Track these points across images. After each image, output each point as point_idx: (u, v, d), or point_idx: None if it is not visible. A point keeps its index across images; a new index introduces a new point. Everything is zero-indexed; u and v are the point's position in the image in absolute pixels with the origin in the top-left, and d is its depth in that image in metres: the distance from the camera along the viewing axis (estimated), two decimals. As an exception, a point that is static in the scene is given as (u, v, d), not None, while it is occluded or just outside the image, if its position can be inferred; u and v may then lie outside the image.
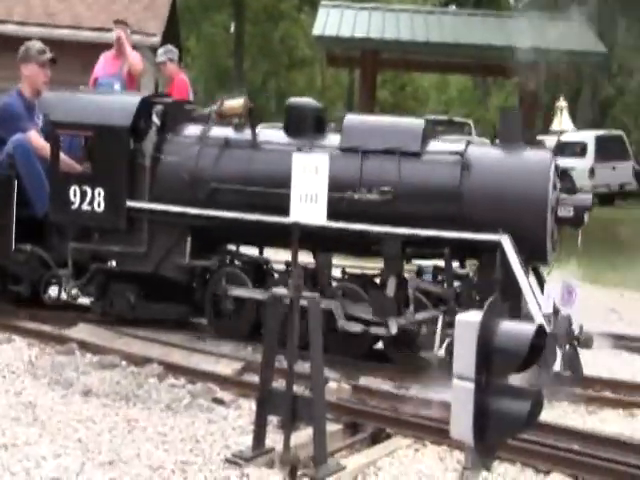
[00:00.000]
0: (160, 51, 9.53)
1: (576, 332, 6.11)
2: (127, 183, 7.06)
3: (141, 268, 7.11)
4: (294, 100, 7.17)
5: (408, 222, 6.34)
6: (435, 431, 5.09)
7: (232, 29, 33.28)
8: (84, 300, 7.57)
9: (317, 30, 16.70)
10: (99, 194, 7.05)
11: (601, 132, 22.79)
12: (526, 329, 3.54)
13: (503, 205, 6.27)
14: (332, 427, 5.05)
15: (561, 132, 6.91)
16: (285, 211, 5.35)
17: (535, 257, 6.36)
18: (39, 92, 7.78)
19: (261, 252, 7.43)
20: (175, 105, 7.43)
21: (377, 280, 6.83)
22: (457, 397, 3.51)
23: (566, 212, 6.39)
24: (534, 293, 6.05)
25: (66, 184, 7.15)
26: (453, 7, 28.92)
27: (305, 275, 6.38)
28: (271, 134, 6.97)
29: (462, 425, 3.49)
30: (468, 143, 6.63)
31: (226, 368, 6.33)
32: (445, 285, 6.49)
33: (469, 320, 3.53)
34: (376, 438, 5.17)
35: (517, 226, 6.16)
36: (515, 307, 5.94)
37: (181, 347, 6.83)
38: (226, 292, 6.97)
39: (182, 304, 7.23)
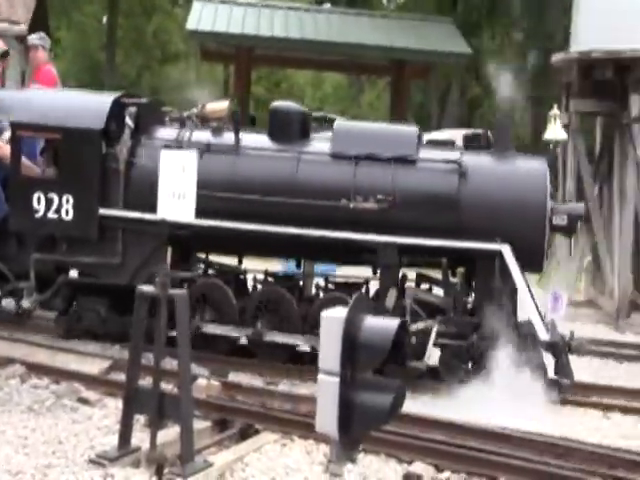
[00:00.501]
0: (34, 36, 9.19)
1: (567, 338, 6.25)
2: (99, 189, 6.62)
3: (115, 280, 6.61)
4: (278, 104, 6.87)
5: (405, 231, 6.21)
6: (302, 425, 5.13)
7: (104, 21, 32.51)
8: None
9: (191, 24, 16.51)
10: (67, 201, 6.51)
11: (469, 130, 23.44)
12: (389, 325, 3.61)
13: (501, 214, 6.24)
14: (200, 424, 5.02)
15: (556, 142, 7.00)
16: (275, 219, 5.93)
17: (531, 265, 6.41)
18: None
19: (240, 261, 7.04)
20: (148, 106, 6.93)
21: (362, 288, 6.61)
22: (322, 391, 3.56)
23: (560, 220, 6.44)
24: (535, 301, 6.10)
25: (29, 190, 6.59)
26: (328, 5, 29.15)
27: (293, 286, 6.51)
28: (255, 140, 6.65)
29: (327, 419, 3.55)
30: (463, 151, 6.60)
31: (92, 367, 6.19)
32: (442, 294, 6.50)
33: (335, 316, 3.58)
34: (245, 434, 5.17)
35: (515, 235, 6.16)
36: (511, 314, 6.08)
37: (46, 346, 6.63)
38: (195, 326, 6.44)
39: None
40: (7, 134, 6.99)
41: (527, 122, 24.34)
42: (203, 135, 6.67)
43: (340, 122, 6.81)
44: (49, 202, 6.52)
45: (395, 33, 16.87)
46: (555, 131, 7.47)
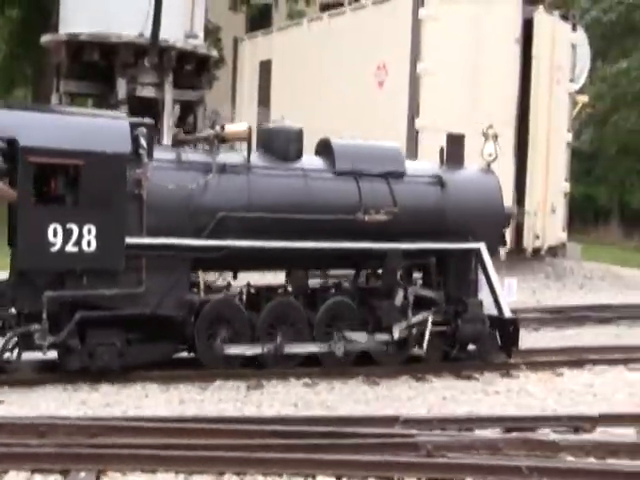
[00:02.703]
0: None
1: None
2: (125, 217, 5.96)
3: (138, 310, 6.07)
4: (277, 126, 6.97)
5: (407, 237, 6.78)
6: None
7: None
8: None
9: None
10: (89, 232, 5.85)
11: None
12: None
13: (473, 218, 7.08)
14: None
15: (491, 156, 7.62)
16: (298, 234, 6.35)
17: (491, 253, 7.31)
18: None
19: (235, 277, 6.93)
20: (150, 127, 6.42)
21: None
22: None
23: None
24: (500, 289, 7.13)
25: (44, 222, 5.72)
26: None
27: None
28: (259, 159, 6.64)
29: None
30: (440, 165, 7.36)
31: None
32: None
33: None
34: None
35: (483, 234, 7.09)
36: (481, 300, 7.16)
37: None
38: (220, 351, 6.33)
39: (167, 342, 6.34)
40: None
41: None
42: (204, 156, 6.53)
43: (336, 141, 7.06)
44: (67, 234, 5.78)
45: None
46: (492, 148, 7.72)
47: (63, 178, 5.94)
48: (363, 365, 6.83)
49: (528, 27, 12.75)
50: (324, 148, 6.96)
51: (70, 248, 5.77)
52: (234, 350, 6.31)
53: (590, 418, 5.49)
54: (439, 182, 7.06)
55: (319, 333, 6.54)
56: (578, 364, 7.44)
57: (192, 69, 12.15)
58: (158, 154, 6.27)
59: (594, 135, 23.82)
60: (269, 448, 4.47)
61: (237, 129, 6.77)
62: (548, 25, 13.12)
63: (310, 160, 6.86)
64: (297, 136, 6.83)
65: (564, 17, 13.67)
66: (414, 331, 6.86)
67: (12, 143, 5.69)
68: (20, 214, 5.70)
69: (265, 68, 15.51)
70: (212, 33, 16.84)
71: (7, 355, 5.86)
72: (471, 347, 7.24)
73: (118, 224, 5.91)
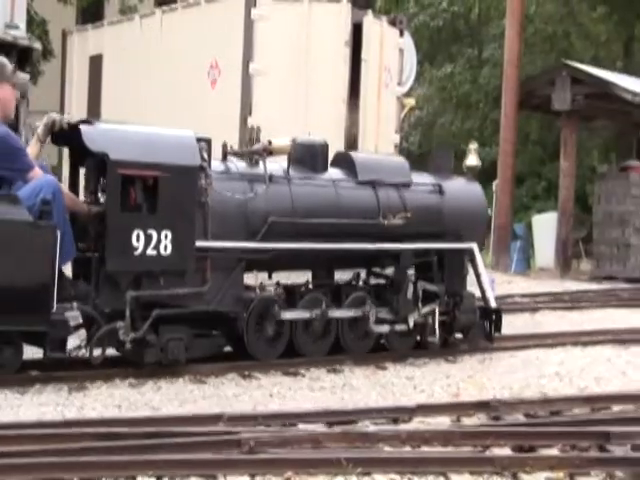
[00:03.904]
0: None
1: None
2: (195, 223, 6.67)
3: (203, 307, 6.78)
4: (306, 140, 7.66)
5: (415, 238, 7.88)
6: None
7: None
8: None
9: None
10: (166, 237, 6.47)
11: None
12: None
13: (466, 220, 8.27)
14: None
15: (474, 167, 8.94)
16: (330, 237, 7.30)
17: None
18: (8, 118, 6.45)
19: (270, 277, 7.72)
20: (209, 142, 6.93)
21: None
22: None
23: None
24: (487, 282, 8.48)
25: (129, 229, 6.34)
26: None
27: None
28: (293, 170, 7.40)
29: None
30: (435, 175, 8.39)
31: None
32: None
33: None
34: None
35: (473, 235, 8.33)
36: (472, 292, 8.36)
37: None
38: (277, 316, 7.15)
39: (219, 337, 7.06)
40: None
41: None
42: (249, 167, 7.25)
43: (356, 155, 8.14)
44: (148, 239, 6.41)
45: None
46: (474, 159, 9.34)
47: (144, 188, 6.44)
48: (191, 364, 6.84)
49: (358, 31, 13.09)
50: (344, 160, 7.92)
51: (150, 251, 6.42)
52: (288, 315, 7.21)
53: (408, 409, 5.74)
54: (439, 190, 8.17)
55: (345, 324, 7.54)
56: (401, 358, 7.75)
57: (13, 62, 11.65)
58: (220, 166, 7.07)
59: (422, 137, 24.80)
60: (89, 451, 4.40)
61: (282, 144, 7.40)
62: (377, 29, 13.51)
63: (335, 171, 7.74)
64: (324, 149, 7.69)
65: (392, 22, 14.12)
66: (425, 320, 7.85)
67: (103, 157, 6.30)
68: (109, 221, 6.31)
69: (96, 63, 15.13)
70: (38, 25, 16.27)
71: (82, 351, 6.38)
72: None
73: (189, 229, 6.62)
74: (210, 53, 12.94)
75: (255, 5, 12.51)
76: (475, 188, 8.63)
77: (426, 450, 4.89)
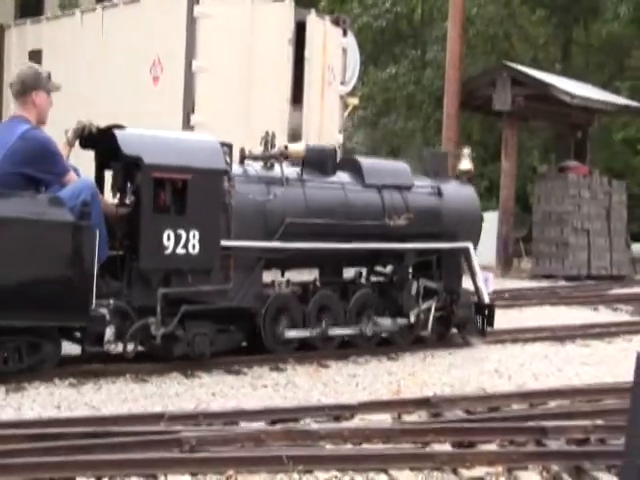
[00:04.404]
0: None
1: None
2: (220, 223, 7.02)
3: (226, 303, 7.13)
4: (316, 145, 8.31)
5: (417, 238, 8.28)
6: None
7: None
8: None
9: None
10: (194, 236, 6.80)
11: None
12: None
13: (462, 221, 8.70)
14: None
15: (467, 171, 9.15)
16: (340, 237, 7.72)
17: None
18: (43, 123, 6.67)
19: (282, 275, 8.03)
20: (230, 147, 7.27)
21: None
22: None
23: None
24: (481, 279, 8.85)
25: (161, 229, 6.66)
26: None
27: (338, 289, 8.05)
28: (306, 173, 7.78)
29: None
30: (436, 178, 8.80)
31: None
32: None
33: None
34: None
35: (469, 235, 8.75)
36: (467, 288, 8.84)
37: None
38: (281, 336, 7.49)
39: (238, 332, 7.37)
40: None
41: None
42: (265, 170, 7.58)
43: (363, 159, 8.48)
44: (178, 238, 6.74)
45: None
46: (467, 163, 9.42)
47: (173, 191, 6.73)
48: (135, 362, 6.78)
49: (301, 29, 13.11)
50: (351, 164, 8.31)
51: (179, 250, 6.73)
52: (291, 334, 7.56)
53: (350, 407, 5.78)
54: (438, 192, 8.60)
55: (351, 318, 7.94)
56: (343, 356, 7.78)
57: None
58: (238, 170, 7.39)
59: (366, 137, 24.93)
60: (26, 452, 4.34)
61: (297, 148, 7.81)
62: (320, 28, 13.54)
63: (343, 175, 8.11)
64: (333, 154, 8.16)
65: (335, 22, 14.17)
66: (422, 316, 8.25)
67: (137, 161, 6.58)
68: (142, 222, 6.62)
69: (35, 58, 14.81)
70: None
71: (112, 346, 6.62)
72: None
73: (215, 229, 6.96)
74: (152, 50, 12.80)
75: (198, 2, 12.42)
76: (469, 190, 9.10)
77: (367, 447, 4.93)
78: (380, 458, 4.67)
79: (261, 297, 7.39)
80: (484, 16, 24.38)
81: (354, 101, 16.17)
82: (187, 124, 12.24)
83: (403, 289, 8.26)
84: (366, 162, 8.41)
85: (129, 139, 6.68)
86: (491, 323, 8.77)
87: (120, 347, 6.60)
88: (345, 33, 14.40)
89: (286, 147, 7.70)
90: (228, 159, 7.10)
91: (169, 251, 6.69)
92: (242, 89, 12.42)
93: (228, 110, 11.96)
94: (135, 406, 5.80)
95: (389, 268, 8.54)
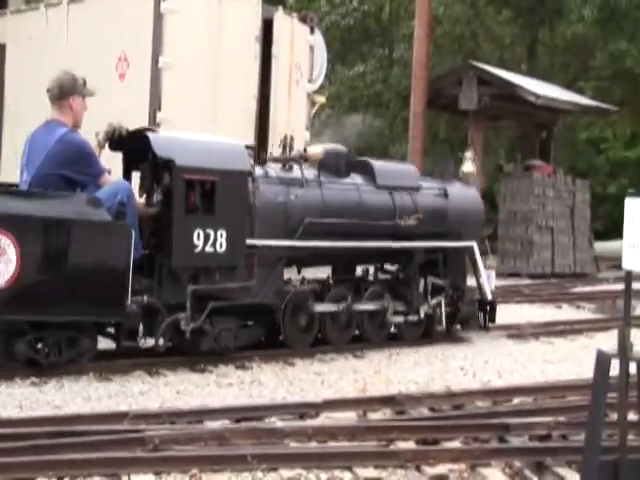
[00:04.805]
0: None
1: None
2: (245, 223, 7.30)
3: (250, 299, 7.43)
4: (332, 148, 8.39)
5: (425, 237, 8.67)
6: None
7: None
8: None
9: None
10: (221, 235, 7.07)
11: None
12: None
13: (466, 221, 9.14)
14: None
15: (470, 172, 10.16)
16: (354, 236, 8.08)
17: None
18: (79, 127, 7.00)
19: (299, 272, 8.37)
20: (253, 149, 7.77)
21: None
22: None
23: None
24: (484, 277, 9.30)
25: (191, 229, 6.94)
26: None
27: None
28: (326, 175, 8.13)
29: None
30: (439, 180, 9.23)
31: None
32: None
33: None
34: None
35: (472, 234, 9.25)
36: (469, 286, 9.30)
37: None
38: (309, 308, 7.86)
39: (259, 327, 7.71)
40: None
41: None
42: (295, 173, 7.90)
43: (375, 162, 8.76)
44: (207, 237, 6.99)
45: None
46: (470, 166, 10.78)
47: (202, 191, 7.01)
48: (96, 361, 6.73)
49: (268, 27, 13.07)
50: (363, 166, 8.61)
51: (208, 249, 7.00)
52: (320, 308, 7.94)
53: (315, 405, 5.78)
54: (444, 193, 9.00)
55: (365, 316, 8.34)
56: (309, 354, 7.78)
57: None
58: (259, 171, 7.65)
59: (333, 135, 24.93)
60: (-14, 453, 4.28)
61: (316, 151, 8.12)
62: (287, 26, 13.50)
63: (356, 176, 8.43)
64: (347, 156, 8.52)
65: (303, 20, 14.15)
66: (437, 311, 8.72)
67: (169, 163, 6.87)
68: (174, 222, 6.88)
69: (-2, 52, 14.68)
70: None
71: (142, 341, 6.90)
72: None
73: (241, 228, 7.26)
74: (118, 46, 12.67)
75: (165, -2, 12.34)
76: (473, 192, 9.58)
77: (332, 445, 4.93)
78: (344, 456, 4.68)
79: (281, 293, 7.68)
80: (451, 16, 24.52)
81: (321, 99, 16.18)
82: (153, 121, 12.15)
83: (412, 286, 8.65)
84: (377, 164, 8.75)
85: (162, 142, 6.97)
86: (493, 319, 9.16)
87: (149, 342, 6.89)
88: (312, 31, 14.38)
89: (305, 150, 8.12)
90: (252, 161, 7.41)
91: (199, 249, 6.96)
92: (209, 86, 12.35)
93: (195, 107, 11.89)
94: (98, 405, 5.76)
95: (397, 266, 8.89)
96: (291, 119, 13.66)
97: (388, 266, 9.01)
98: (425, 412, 5.87)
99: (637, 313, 9.90)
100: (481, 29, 25.28)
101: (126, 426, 4.99)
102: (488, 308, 9.18)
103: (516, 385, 6.87)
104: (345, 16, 24.32)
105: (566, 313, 12.11)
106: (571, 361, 8.14)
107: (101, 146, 7.24)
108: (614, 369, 3.88)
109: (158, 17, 12.37)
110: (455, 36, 24.67)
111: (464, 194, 9.35)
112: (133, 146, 7.20)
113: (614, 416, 4.66)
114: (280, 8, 13.58)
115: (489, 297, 9.20)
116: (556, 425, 5.37)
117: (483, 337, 9.20)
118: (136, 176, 7.57)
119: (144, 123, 12.28)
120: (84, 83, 7.05)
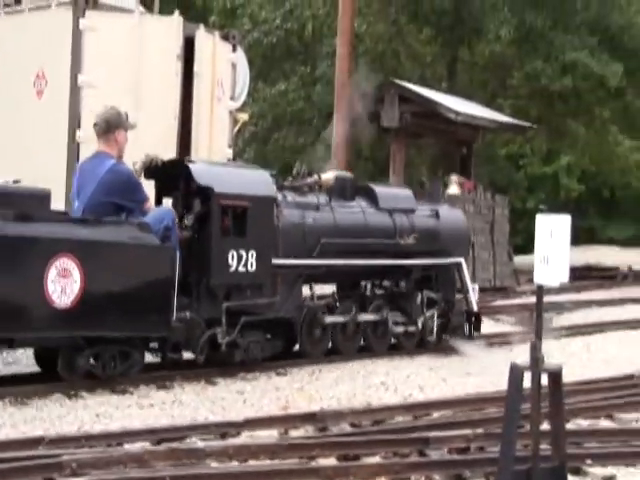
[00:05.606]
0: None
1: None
2: (271, 244, 7.96)
3: (274, 314, 8.10)
4: (339, 174, 9.32)
5: (422, 255, 9.48)
6: None
7: None
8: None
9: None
10: (252, 256, 7.73)
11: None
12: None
13: (455, 239, 9.95)
14: None
15: (455, 195, 10.79)
16: (360, 254, 8.92)
17: None
18: (122, 158, 7.46)
19: (311, 288, 8.76)
20: (275, 176, 8.47)
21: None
22: None
23: None
24: (471, 290, 9.96)
25: (226, 250, 7.61)
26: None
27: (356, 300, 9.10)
28: (335, 199, 8.93)
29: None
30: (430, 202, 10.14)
31: None
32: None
33: None
34: None
35: (460, 251, 10.00)
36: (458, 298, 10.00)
37: None
38: (322, 320, 8.57)
39: (279, 339, 8.35)
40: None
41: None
42: (299, 196, 8.64)
43: (375, 186, 9.61)
44: (240, 258, 7.68)
45: None
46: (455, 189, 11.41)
47: (234, 216, 7.71)
48: (11, 385, 6.58)
49: (190, 45, 13.03)
50: (365, 191, 9.43)
51: (241, 268, 7.71)
52: (329, 319, 8.67)
53: (236, 424, 5.77)
54: (436, 214, 9.87)
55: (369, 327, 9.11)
56: (231, 373, 7.76)
57: None
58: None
59: (257, 152, 24.96)
60: None
61: (328, 177, 8.97)
62: (209, 43, 13.49)
63: (360, 200, 9.26)
64: (352, 182, 9.37)
65: (225, 37, 14.16)
66: (429, 323, 9.51)
67: (207, 190, 7.57)
68: (213, 244, 7.60)
69: None
70: None
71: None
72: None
73: (268, 249, 7.97)
74: (36, 63, 12.47)
75: (84, 15, 12.20)
76: (459, 213, 10.62)
77: (253, 463, 4.93)
78: (265, 474, 4.69)
79: (300, 308, 8.39)
80: (373, 34, 24.82)
81: (244, 116, 16.17)
82: (72, 140, 11.99)
83: (411, 299, 9.47)
84: (379, 189, 9.60)
85: (202, 171, 7.68)
86: (478, 328, 9.93)
87: (186, 355, 7.50)
88: (235, 48, 14.40)
89: (319, 177, 8.87)
90: (275, 187, 8.15)
91: (233, 269, 7.66)
92: (129, 104, 12.14)
93: (115, 125, 11.75)
94: (13, 432, 5.62)
95: (396, 281, 9.54)
96: (213, 136, 13.63)
97: (387, 282, 9.61)
98: (346, 428, 5.91)
99: (553, 325, 10.16)
100: (402, 47, 25.66)
101: (42, 451, 4.90)
102: (474, 319, 9.88)
103: (436, 399, 6.97)
104: (268, 34, 24.40)
105: (486, 326, 12.28)
106: (490, 374, 8.28)
107: (138, 175, 7.71)
108: (528, 381, 3.98)
109: (77, 34, 12.22)
110: (377, 54, 24.98)
111: (452, 215, 10.28)
112: (165, 174, 7.88)
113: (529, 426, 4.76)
114: (202, 26, 13.56)
115: (475, 308, 9.91)
116: (474, 437, 5.48)
117: (404, 352, 9.30)
118: (166, 202, 8.21)
119: (63, 142, 12.11)
120: (127, 117, 7.55)
